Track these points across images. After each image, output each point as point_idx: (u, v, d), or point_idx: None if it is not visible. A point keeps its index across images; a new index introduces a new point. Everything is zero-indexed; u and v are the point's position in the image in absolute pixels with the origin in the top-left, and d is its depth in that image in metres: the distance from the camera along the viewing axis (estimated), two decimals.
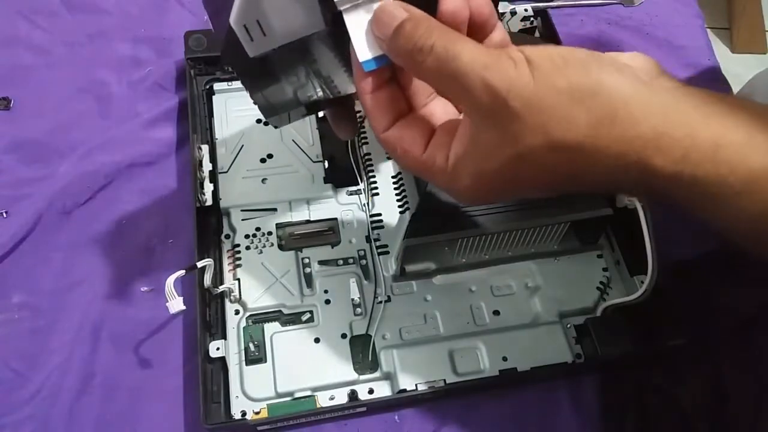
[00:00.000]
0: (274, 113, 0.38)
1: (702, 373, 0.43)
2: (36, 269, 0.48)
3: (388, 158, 0.52)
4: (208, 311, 0.44)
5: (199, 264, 0.41)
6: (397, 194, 0.50)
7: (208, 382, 0.42)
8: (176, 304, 0.39)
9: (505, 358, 0.44)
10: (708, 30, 0.70)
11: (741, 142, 0.25)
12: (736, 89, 0.63)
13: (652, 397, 0.44)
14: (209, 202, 0.48)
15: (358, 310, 0.46)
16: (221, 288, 0.45)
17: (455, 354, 0.44)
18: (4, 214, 0.50)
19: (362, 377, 0.44)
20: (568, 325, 0.46)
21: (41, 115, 0.55)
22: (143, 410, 0.44)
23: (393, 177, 0.51)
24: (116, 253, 0.49)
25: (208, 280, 0.43)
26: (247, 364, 0.43)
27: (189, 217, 0.47)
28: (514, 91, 0.26)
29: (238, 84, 0.54)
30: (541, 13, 0.59)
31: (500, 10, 0.57)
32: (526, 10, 0.58)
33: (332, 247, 0.48)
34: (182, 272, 0.40)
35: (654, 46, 0.65)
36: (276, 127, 0.41)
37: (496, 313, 0.46)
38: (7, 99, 0.56)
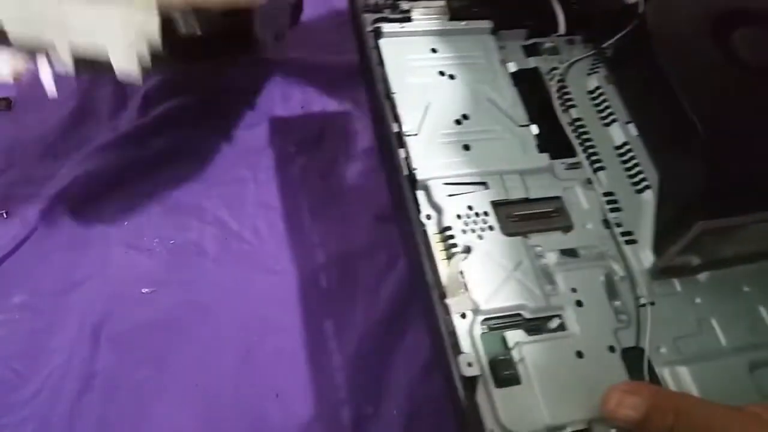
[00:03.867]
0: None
1: None
2: (36, 270, 0.48)
3: (606, 125, 0.43)
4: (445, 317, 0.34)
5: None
6: (627, 169, 0.42)
7: (467, 413, 0.32)
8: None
9: None
10: None
11: None
12: None
13: None
14: (404, 172, 0.39)
15: (622, 316, 0.36)
16: (446, 283, 0.35)
17: (754, 371, 0.35)
18: (5, 215, 0.50)
19: None
20: None
21: (41, 115, 0.55)
22: (144, 410, 0.44)
23: (617, 147, 0.42)
24: (116, 253, 0.49)
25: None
26: (497, 386, 0.33)
27: None
28: None
29: (411, 26, 0.45)
30: None
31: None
32: None
33: (564, 233, 0.39)
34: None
35: None
36: None
37: None
38: (8, 99, 0.56)
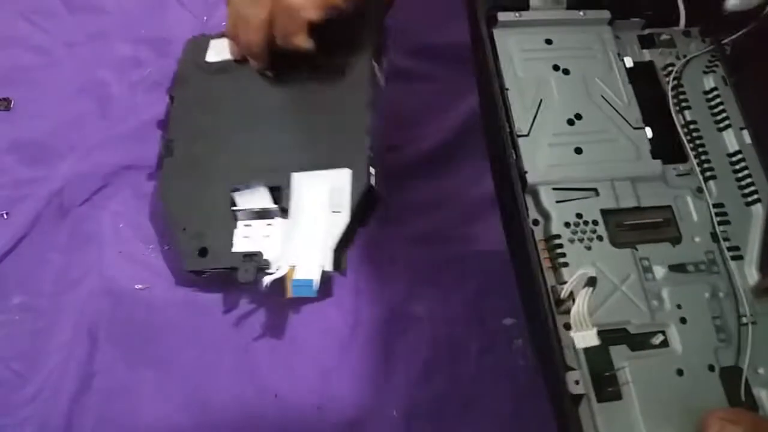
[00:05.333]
0: None
1: None
2: (36, 270, 0.48)
3: (720, 129, 0.41)
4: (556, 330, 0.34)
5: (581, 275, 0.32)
6: (738, 179, 0.40)
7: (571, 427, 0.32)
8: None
9: None
10: None
11: None
12: None
13: None
14: (516, 174, 0.37)
15: (722, 334, 0.36)
16: (564, 293, 0.34)
17: None
18: (5, 216, 0.50)
19: None
20: None
21: (41, 116, 0.55)
22: (143, 410, 0.44)
23: (729, 155, 0.40)
24: (114, 253, 0.49)
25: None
26: (599, 401, 0.33)
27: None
28: None
29: (528, 14, 0.43)
30: None
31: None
32: None
33: (673, 246, 0.38)
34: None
35: None
36: None
37: None
38: (8, 99, 0.56)
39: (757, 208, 0.39)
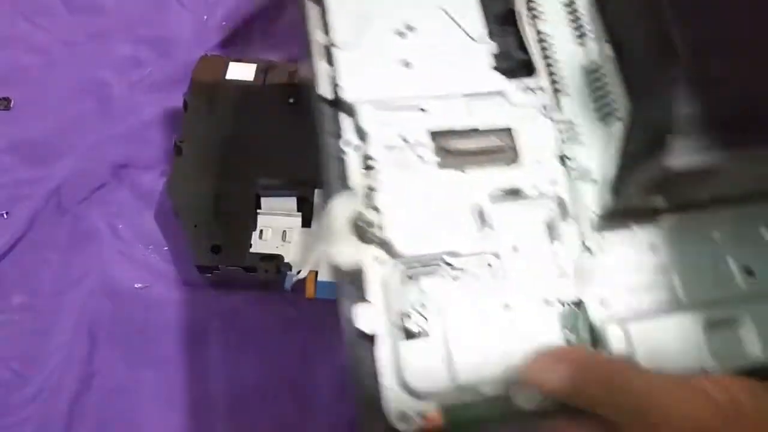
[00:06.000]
0: None
1: None
2: (35, 270, 0.48)
3: (580, 44, 0.36)
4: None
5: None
6: (593, 93, 0.35)
7: (362, 371, 0.27)
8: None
9: None
10: None
11: None
12: None
13: None
14: (328, 95, 0.32)
15: (562, 263, 0.31)
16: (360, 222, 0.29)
17: (712, 331, 0.30)
18: (5, 215, 0.50)
19: None
20: None
21: (41, 115, 0.55)
22: (143, 410, 0.44)
23: (586, 67, 0.35)
24: (114, 253, 0.49)
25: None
26: (404, 338, 0.28)
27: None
28: None
29: None
30: None
31: None
32: None
33: (509, 168, 0.33)
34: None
35: None
36: None
37: (749, 272, 0.32)
38: (7, 99, 0.56)
39: (616, 127, 0.33)
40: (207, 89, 0.52)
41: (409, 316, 0.28)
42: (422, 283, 0.29)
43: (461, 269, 0.30)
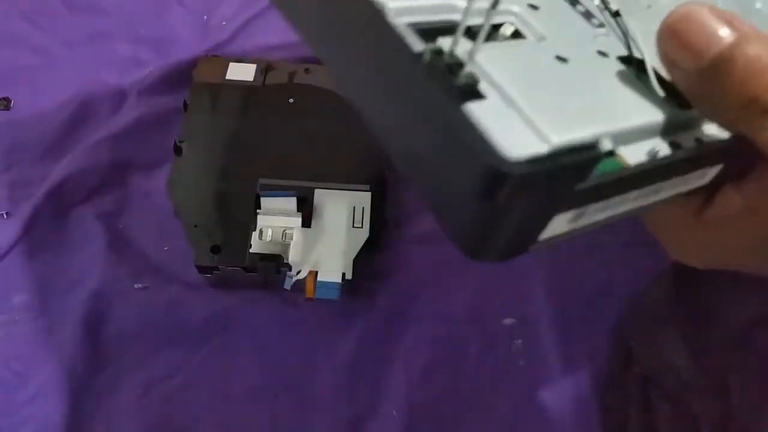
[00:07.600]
0: None
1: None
2: (35, 270, 0.48)
3: None
4: None
5: None
6: None
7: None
8: None
9: None
10: None
11: None
12: None
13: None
14: None
15: (595, 20, 0.26)
16: None
17: None
18: (5, 216, 0.50)
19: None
20: None
21: (41, 115, 0.55)
22: (142, 410, 0.44)
23: None
24: (114, 253, 0.49)
25: None
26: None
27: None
28: None
29: None
30: None
31: None
32: None
33: None
34: None
35: None
36: None
37: None
38: (7, 99, 0.56)
39: None
40: (207, 89, 0.53)
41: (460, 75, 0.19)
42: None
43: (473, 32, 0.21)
